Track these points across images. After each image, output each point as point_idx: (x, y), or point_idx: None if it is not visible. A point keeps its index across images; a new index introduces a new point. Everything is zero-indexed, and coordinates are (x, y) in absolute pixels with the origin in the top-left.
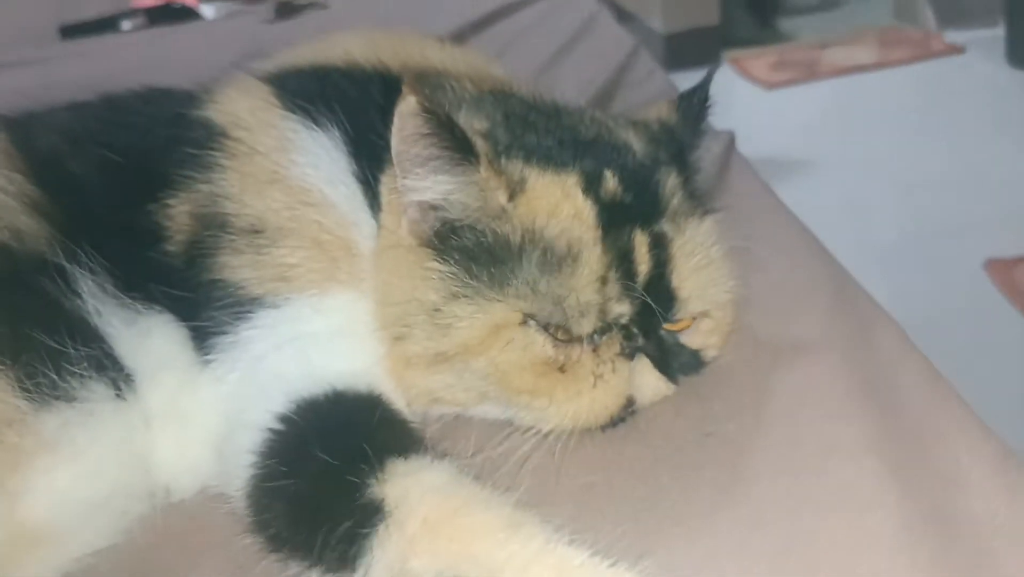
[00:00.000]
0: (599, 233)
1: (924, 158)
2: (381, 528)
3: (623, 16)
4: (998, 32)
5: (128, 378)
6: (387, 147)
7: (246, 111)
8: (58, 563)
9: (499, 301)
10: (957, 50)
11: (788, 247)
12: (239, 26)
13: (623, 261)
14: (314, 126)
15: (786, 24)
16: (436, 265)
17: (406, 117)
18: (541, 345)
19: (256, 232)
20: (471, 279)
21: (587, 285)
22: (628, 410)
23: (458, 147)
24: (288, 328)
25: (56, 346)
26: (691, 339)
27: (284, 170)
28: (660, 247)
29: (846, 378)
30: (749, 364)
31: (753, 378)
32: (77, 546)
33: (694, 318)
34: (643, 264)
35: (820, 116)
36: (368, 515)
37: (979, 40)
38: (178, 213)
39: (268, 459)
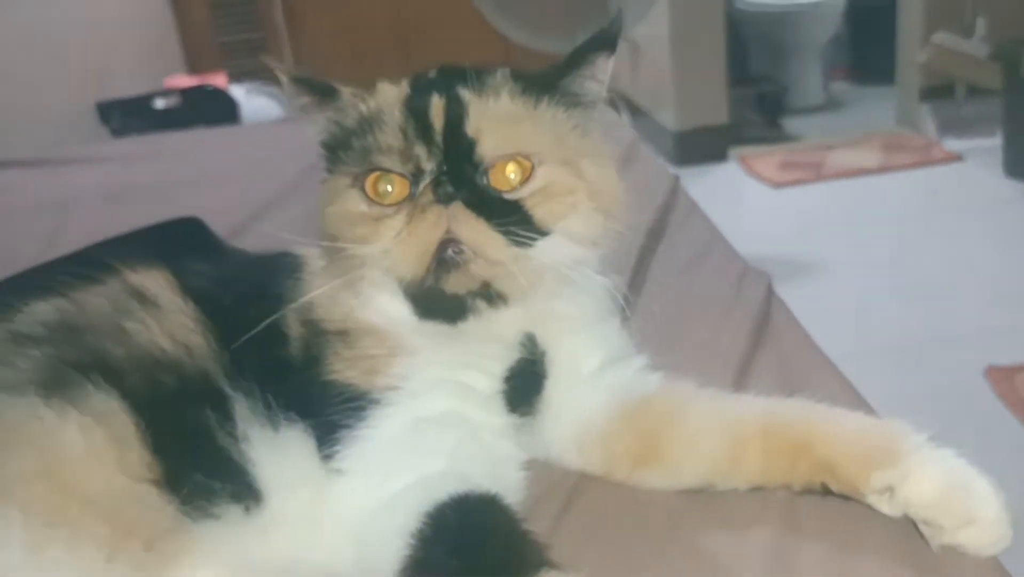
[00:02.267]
0: (403, 100)
1: (925, 262)
2: None
3: (636, 112)
4: (996, 142)
5: (258, 499)
6: None
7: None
8: None
9: (341, 174)
10: (956, 158)
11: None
12: (302, 133)
13: (420, 117)
14: None
15: (791, 124)
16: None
17: (285, 87)
18: (356, 201)
19: (343, 333)
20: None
21: (389, 134)
22: (452, 248)
23: (318, 88)
24: (396, 419)
25: (208, 483)
26: (506, 188)
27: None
28: (456, 106)
29: None
30: None
31: None
32: None
33: (508, 164)
34: (438, 118)
35: (825, 216)
36: None
37: (977, 149)
38: (292, 321)
39: (421, 550)
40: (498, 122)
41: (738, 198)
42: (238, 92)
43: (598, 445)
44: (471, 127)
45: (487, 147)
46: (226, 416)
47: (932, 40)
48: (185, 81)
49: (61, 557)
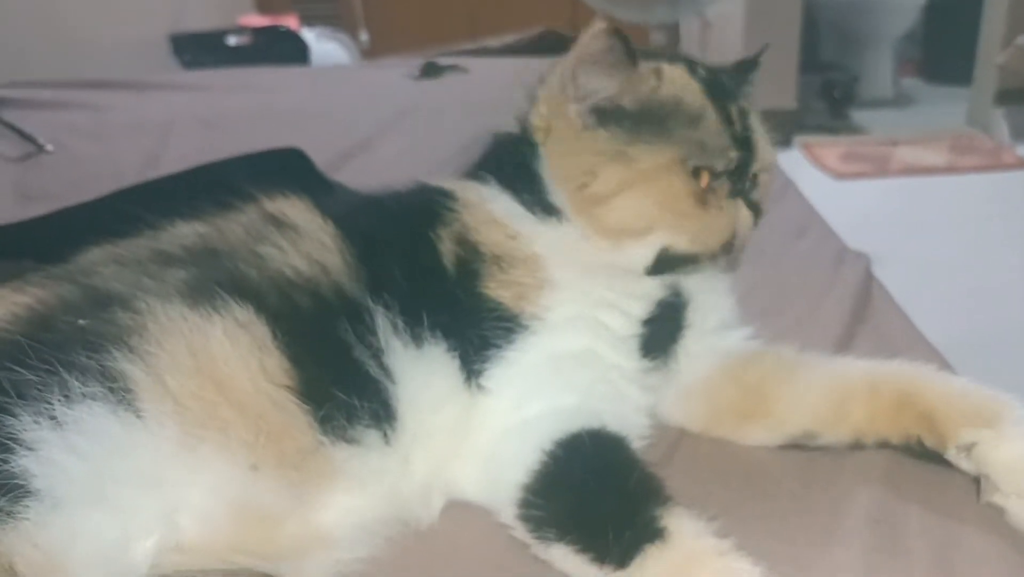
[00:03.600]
0: (709, 100)
1: (985, 267)
2: (658, 546)
3: None
4: None
5: (393, 421)
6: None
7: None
8: (332, 564)
9: (666, 147)
10: None
11: None
12: (386, 80)
13: (727, 121)
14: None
15: (858, 116)
16: (605, 134)
17: (595, 34)
18: (686, 181)
19: (498, 257)
20: (636, 137)
21: (716, 132)
22: (731, 241)
23: (628, 52)
24: (539, 349)
25: (347, 400)
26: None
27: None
28: (744, 115)
29: None
30: None
31: None
32: (349, 552)
33: (756, 174)
34: (737, 124)
35: (886, 212)
36: (650, 533)
37: None
38: (445, 241)
39: (553, 467)
40: (762, 137)
41: (799, 186)
42: (308, 35)
43: (703, 399)
44: (755, 138)
45: (760, 157)
46: (366, 333)
47: (1015, 42)
48: (258, 20)
49: (211, 457)
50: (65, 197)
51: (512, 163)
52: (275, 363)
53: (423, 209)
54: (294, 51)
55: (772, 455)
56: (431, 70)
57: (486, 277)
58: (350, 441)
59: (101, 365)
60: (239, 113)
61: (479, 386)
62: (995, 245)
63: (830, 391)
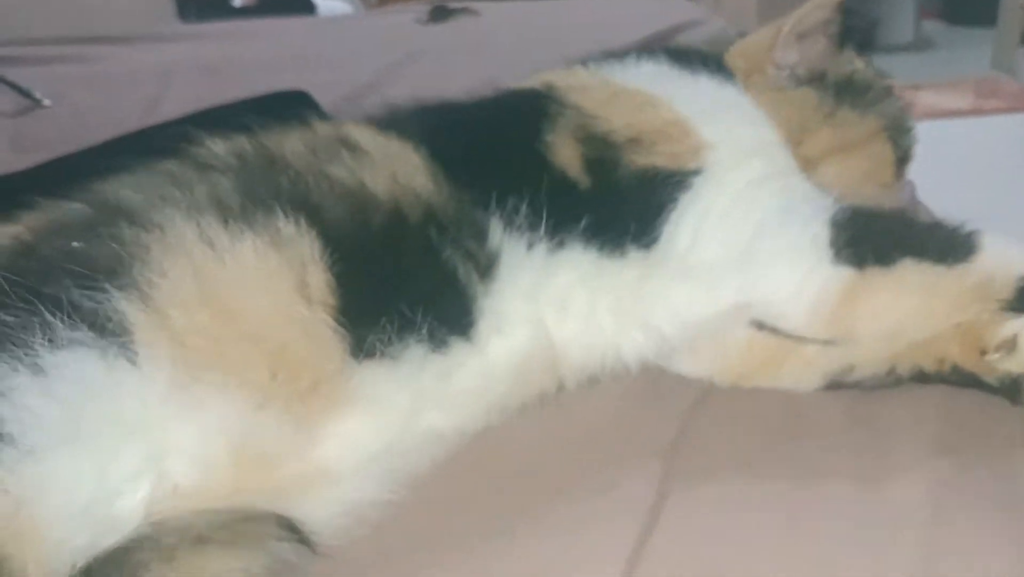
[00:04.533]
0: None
1: (1012, 209)
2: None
3: None
4: None
5: (471, 333)
6: None
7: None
8: (335, 504)
9: (872, 117)
10: None
11: None
12: (392, 25)
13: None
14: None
15: (878, 61)
16: (816, 94)
17: (821, 4)
18: (891, 151)
19: (634, 140)
20: (842, 103)
21: (906, 115)
22: None
23: (842, 32)
24: (728, 180)
25: (407, 306)
26: None
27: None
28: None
29: None
30: None
31: None
32: (354, 493)
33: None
34: None
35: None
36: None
37: None
38: (559, 144)
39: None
40: None
41: None
42: None
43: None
44: None
45: None
46: (462, 249)
47: None
48: None
49: (210, 399)
50: (64, 149)
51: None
52: (319, 279)
53: (521, 121)
54: (300, 11)
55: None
56: (440, 14)
57: (629, 158)
58: (383, 357)
59: (92, 301)
60: (241, 60)
61: (650, 250)
62: (1022, 187)
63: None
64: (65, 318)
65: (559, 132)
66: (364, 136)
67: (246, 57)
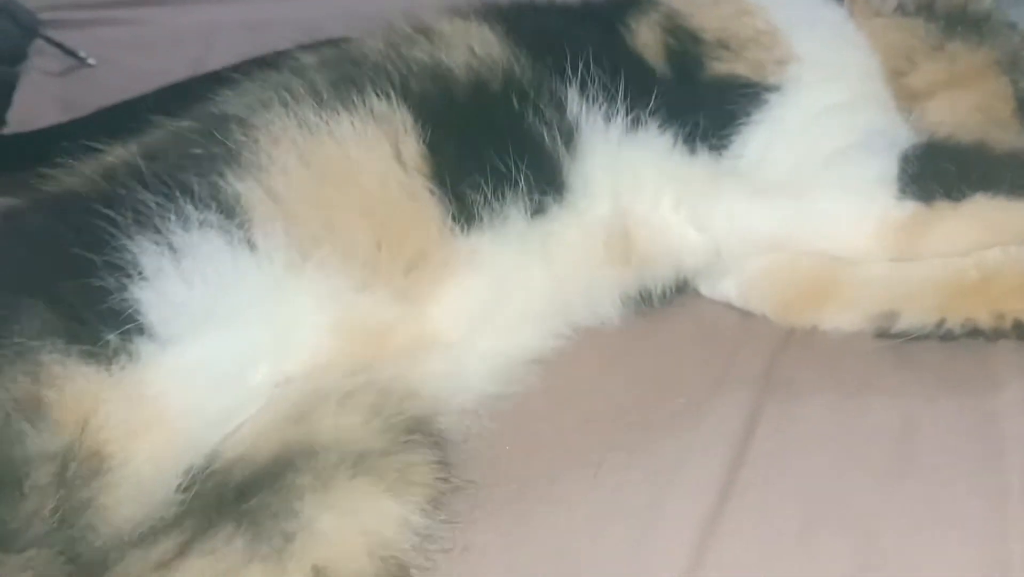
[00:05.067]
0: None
1: None
2: None
3: None
4: None
5: (563, 197)
6: None
7: None
8: (446, 376)
9: (986, 49)
10: None
11: None
12: None
13: None
14: None
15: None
16: (924, 24)
17: None
18: (1008, 85)
19: (722, 42)
20: (952, 35)
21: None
22: None
23: None
24: (807, 102)
25: (500, 167)
26: None
27: None
28: None
29: None
30: None
31: None
32: (468, 362)
33: None
34: None
35: None
36: None
37: None
38: (644, 31)
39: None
40: None
41: None
42: None
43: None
44: None
45: None
46: (545, 111)
47: None
48: None
49: (319, 270)
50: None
51: None
52: (413, 149)
53: (606, 9)
54: None
55: None
56: None
57: (712, 61)
58: (485, 222)
59: (215, 189)
60: (285, 18)
61: (722, 156)
62: None
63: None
64: (195, 201)
65: (645, 20)
66: (442, 24)
67: (291, 15)
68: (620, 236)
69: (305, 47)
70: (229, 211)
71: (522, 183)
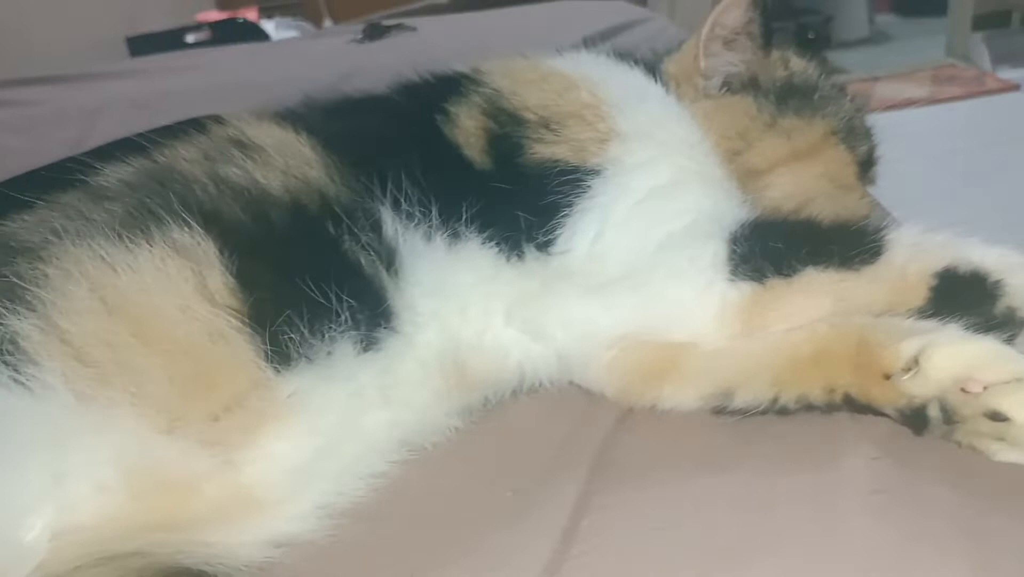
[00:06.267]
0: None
1: (976, 196)
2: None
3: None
4: None
5: (392, 328)
6: None
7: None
8: (273, 530)
9: (820, 121)
10: (1012, 87)
11: None
12: (328, 47)
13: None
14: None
15: (835, 57)
16: (753, 101)
17: (735, 2)
18: (847, 152)
19: (544, 121)
20: (784, 110)
21: (857, 116)
22: None
23: (764, 30)
24: (631, 186)
25: (319, 299)
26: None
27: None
28: (860, 109)
29: None
30: None
31: None
32: (294, 515)
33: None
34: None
35: None
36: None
37: None
38: (464, 121)
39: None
40: None
41: None
42: (268, 26)
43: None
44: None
45: None
46: (362, 237)
47: None
48: (216, 16)
49: (106, 417)
50: None
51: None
52: (219, 281)
53: (425, 95)
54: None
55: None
56: (375, 31)
57: (533, 144)
58: (306, 360)
59: None
60: (175, 93)
61: (550, 255)
62: (987, 169)
63: (744, 342)
64: None
65: (466, 105)
66: (259, 132)
67: (181, 89)
68: (453, 364)
69: (126, 144)
70: (5, 349)
71: (345, 315)
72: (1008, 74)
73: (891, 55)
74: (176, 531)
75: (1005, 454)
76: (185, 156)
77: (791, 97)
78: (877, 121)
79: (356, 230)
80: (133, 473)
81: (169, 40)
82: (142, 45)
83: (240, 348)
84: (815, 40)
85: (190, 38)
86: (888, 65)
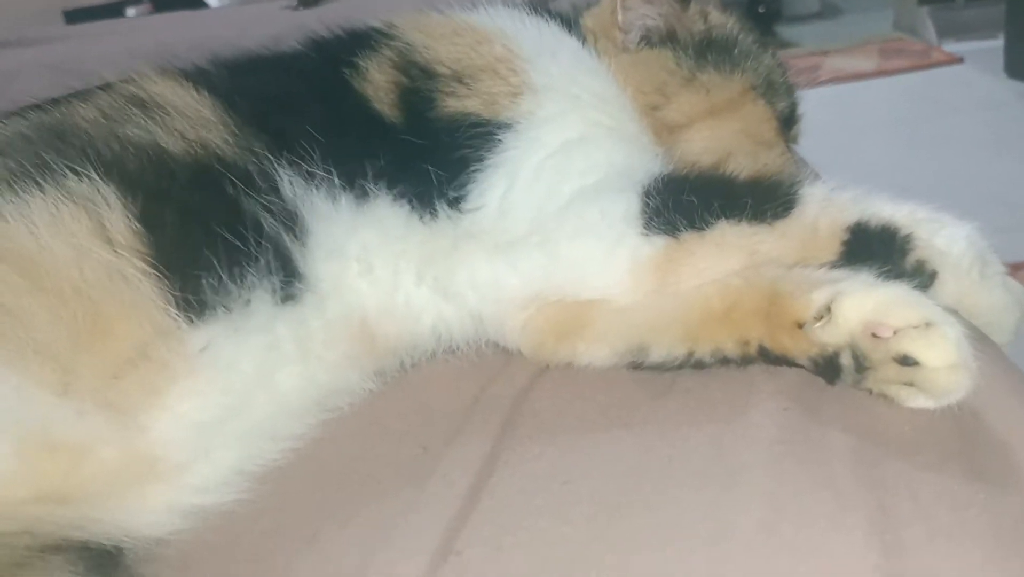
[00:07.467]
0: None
1: (920, 165)
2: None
3: None
4: (997, 44)
5: (301, 282)
6: None
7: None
8: (178, 497)
9: (739, 76)
10: (956, 60)
11: None
12: (259, 13)
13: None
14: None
15: (787, 31)
16: (672, 56)
17: None
18: (766, 108)
19: (456, 74)
20: (704, 65)
21: (778, 71)
22: None
23: None
24: (542, 140)
25: (236, 243)
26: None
27: (460, 22)
28: (783, 66)
29: None
30: None
31: None
32: (201, 483)
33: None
34: (783, 72)
35: (820, 121)
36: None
37: (978, 51)
38: (373, 74)
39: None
40: None
41: None
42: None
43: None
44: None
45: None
46: (263, 197)
47: None
48: None
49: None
50: None
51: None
52: (121, 225)
53: (334, 49)
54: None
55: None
56: None
57: (445, 98)
58: (222, 308)
59: None
60: (96, 57)
61: (462, 211)
62: (932, 140)
63: (657, 298)
64: None
65: (377, 59)
66: (162, 90)
67: (103, 54)
68: (361, 328)
69: (30, 108)
70: None
71: (264, 260)
72: (953, 47)
73: (841, 28)
74: (69, 502)
75: (915, 399)
76: (83, 112)
77: (710, 51)
78: (829, 93)
79: (252, 193)
80: (22, 437)
81: (107, 13)
82: (80, 18)
83: (144, 291)
84: (765, 14)
85: (131, 11)
86: (838, 39)
